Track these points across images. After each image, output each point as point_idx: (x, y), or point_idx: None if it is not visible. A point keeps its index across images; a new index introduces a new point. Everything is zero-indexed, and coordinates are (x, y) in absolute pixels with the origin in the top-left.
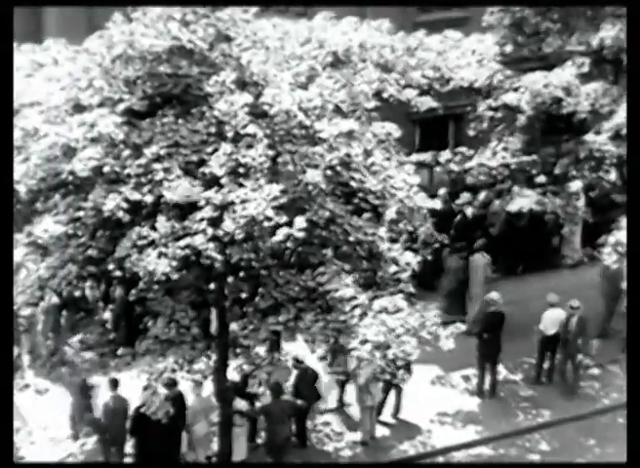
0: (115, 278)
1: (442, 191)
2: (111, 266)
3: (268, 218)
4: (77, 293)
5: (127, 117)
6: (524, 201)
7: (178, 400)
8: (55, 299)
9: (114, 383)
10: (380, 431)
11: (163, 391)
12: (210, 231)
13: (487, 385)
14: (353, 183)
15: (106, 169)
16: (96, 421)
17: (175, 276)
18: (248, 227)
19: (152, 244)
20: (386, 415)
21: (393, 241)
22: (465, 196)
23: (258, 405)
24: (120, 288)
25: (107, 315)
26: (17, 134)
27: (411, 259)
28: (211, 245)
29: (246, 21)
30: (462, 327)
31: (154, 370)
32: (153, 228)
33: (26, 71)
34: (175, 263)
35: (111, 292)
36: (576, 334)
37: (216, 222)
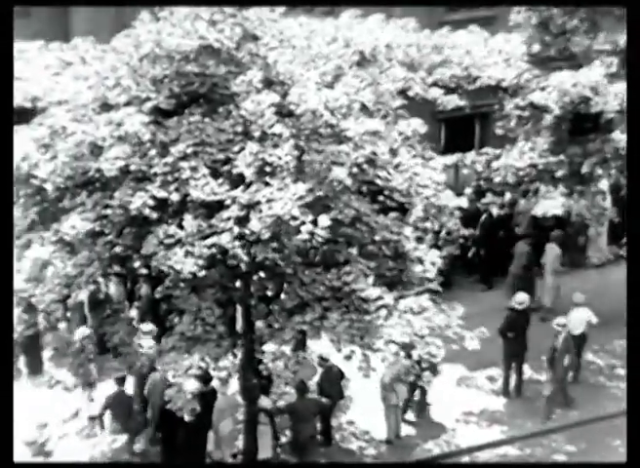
0: (141, 276)
1: (468, 190)
2: (137, 264)
3: (294, 218)
4: (102, 291)
5: (154, 116)
6: (550, 204)
7: (209, 397)
8: (81, 297)
9: (121, 380)
10: (405, 430)
11: (190, 388)
12: (236, 230)
13: (512, 385)
14: (379, 181)
15: (133, 167)
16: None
17: (201, 274)
18: (274, 227)
19: (179, 242)
20: (411, 414)
21: (419, 240)
22: (491, 197)
23: (282, 403)
24: (146, 285)
25: (133, 313)
26: (44, 132)
27: (436, 259)
28: (237, 243)
29: (273, 21)
30: (487, 332)
31: (179, 367)
32: (180, 226)
33: (54, 70)
34: (201, 262)
35: (136, 289)
36: (562, 353)
37: (242, 221)
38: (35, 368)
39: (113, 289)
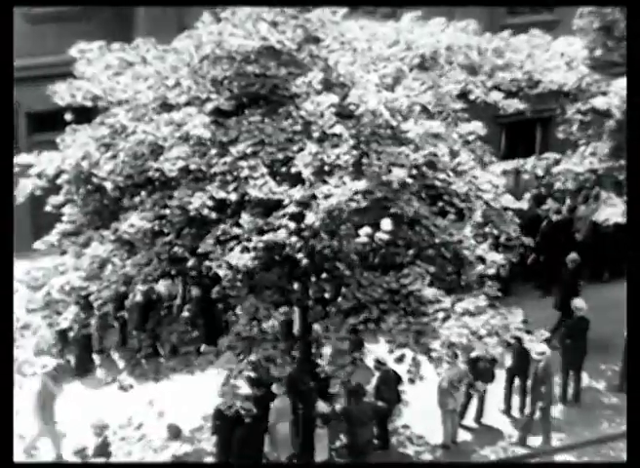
0: (195, 277)
1: (527, 196)
2: (193, 263)
3: (349, 202)
4: (156, 292)
5: (214, 116)
6: (611, 211)
7: (266, 398)
8: (138, 298)
9: None
10: (462, 435)
11: (245, 390)
12: (292, 226)
13: (570, 392)
14: (438, 183)
15: (193, 167)
16: None
17: (257, 269)
18: (329, 215)
19: (235, 238)
20: (469, 419)
21: (478, 243)
22: (552, 202)
23: (339, 406)
24: (196, 287)
25: (185, 314)
26: (105, 131)
27: (497, 258)
28: (293, 238)
29: (334, 23)
30: (547, 334)
31: (234, 368)
32: (237, 225)
33: (115, 70)
34: (253, 254)
35: (187, 291)
36: (539, 381)
37: (298, 218)
38: (86, 367)
39: (164, 289)
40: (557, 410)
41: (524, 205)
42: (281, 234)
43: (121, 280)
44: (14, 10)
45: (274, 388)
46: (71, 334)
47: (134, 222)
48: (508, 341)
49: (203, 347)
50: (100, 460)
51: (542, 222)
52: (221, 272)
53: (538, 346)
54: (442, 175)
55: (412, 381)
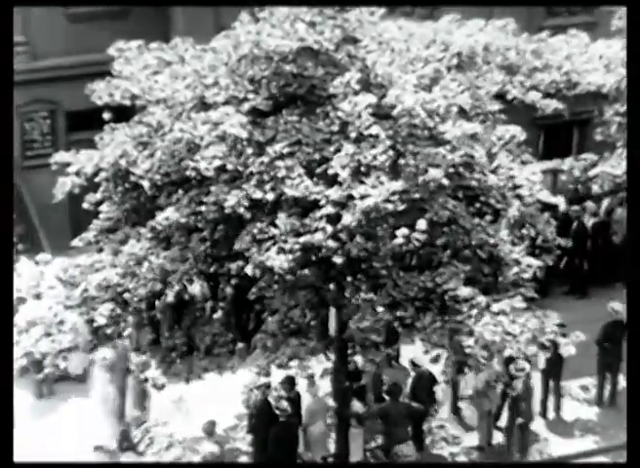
0: (232, 276)
1: (561, 199)
2: (229, 263)
3: (386, 203)
4: (189, 292)
5: (251, 116)
6: None
7: (295, 401)
8: (170, 298)
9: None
10: (497, 437)
11: (280, 391)
12: (329, 229)
13: (606, 394)
14: (474, 182)
15: (229, 166)
16: None
17: (294, 275)
18: (366, 216)
19: (272, 239)
20: (504, 421)
21: (514, 245)
22: (590, 204)
23: (374, 407)
24: (229, 287)
25: (218, 315)
26: (142, 129)
27: (532, 261)
28: (330, 242)
29: (372, 23)
30: (582, 336)
31: (262, 365)
32: (273, 225)
33: (153, 69)
34: (291, 256)
35: (219, 291)
36: (519, 398)
37: (334, 219)
38: None
39: (198, 289)
40: (593, 413)
41: (561, 201)
42: (318, 236)
43: (157, 278)
44: (54, 9)
45: (307, 389)
46: (108, 332)
47: (169, 215)
48: (544, 344)
49: (239, 345)
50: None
51: (573, 224)
52: (257, 273)
53: (519, 363)
54: (478, 175)
55: (447, 382)
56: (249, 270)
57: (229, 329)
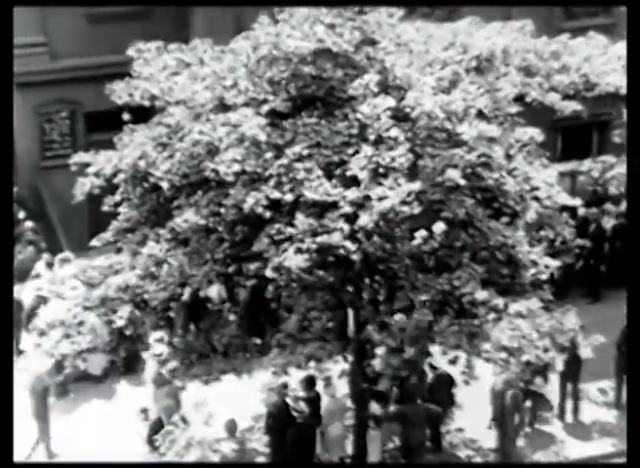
0: (250, 277)
1: (578, 202)
2: (247, 265)
3: (403, 205)
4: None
5: (270, 118)
6: None
7: (314, 401)
8: (186, 299)
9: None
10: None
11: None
12: (347, 229)
13: (624, 397)
14: (491, 182)
15: (248, 168)
16: None
17: (311, 275)
18: (383, 217)
19: (289, 239)
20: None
21: (532, 246)
22: (609, 207)
23: (392, 408)
24: (244, 290)
25: (233, 317)
26: (162, 130)
27: (550, 262)
28: (347, 242)
29: (391, 25)
30: (601, 338)
31: (280, 365)
32: (291, 225)
33: (172, 70)
34: (307, 256)
35: (235, 294)
36: (510, 412)
37: (352, 219)
38: (134, 366)
39: (214, 291)
40: (611, 416)
41: (578, 203)
42: (335, 237)
43: (177, 280)
44: (73, 9)
45: (324, 389)
46: (127, 333)
47: (188, 218)
48: (562, 346)
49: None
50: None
51: (591, 226)
52: (275, 274)
53: (505, 375)
54: (496, 176)
55: (467, 383)
56: (268, 272)
57: (245, 330)
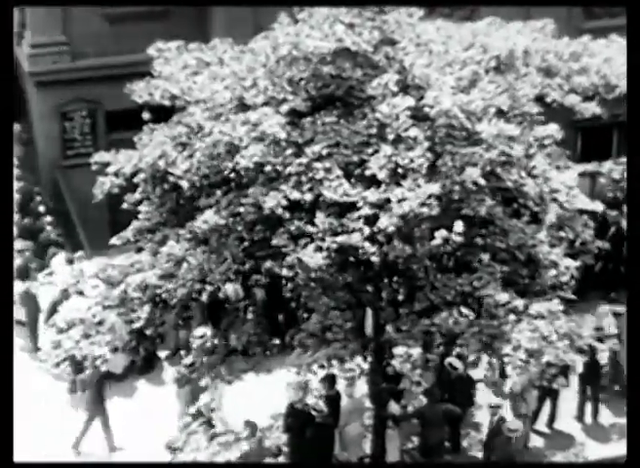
0: (267, 275)
1: (599, 205)
2: (265, 263)
3: (423, 207)
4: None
5: (289, 117)
6: None
7: (334, 399)
8: (204, 298)
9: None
10: (534, 440)
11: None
12: (367, 230)
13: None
14: (509, 183)
15: (268, 167)
16: None
17: (330, 270)
18: (403, 219)
19: (309, 237)
20: (541, 424)
21: (553, 246)
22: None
23: (411, 408)
24: (260, 290)
25: (251, 315)
26: (182, 130)
27: (571, 263)
28: (367, 244)
29: (410, 25)
30: (618, 345)
31: (303, 364)
32: (311, 224)
33: (192, 69)
34: (326, 253)
35: (252, 294)
36: (494, 433)
37: (372, 221)
38: (151, 365)
39: (231, 290)
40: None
41: (599, 207)
42: (355, 237)
43: (196, 278)
44: (94, 9)
45: (345, 389)
46: (147, 332)
47: (207, 219)
48: (582, 348)
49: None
50: None
51: (611, 228)
52: (290, 272)
53: (492, 401)
54: (515, 176)
55: (489, 386)
56: (284, 270)
57: (263, 328)
